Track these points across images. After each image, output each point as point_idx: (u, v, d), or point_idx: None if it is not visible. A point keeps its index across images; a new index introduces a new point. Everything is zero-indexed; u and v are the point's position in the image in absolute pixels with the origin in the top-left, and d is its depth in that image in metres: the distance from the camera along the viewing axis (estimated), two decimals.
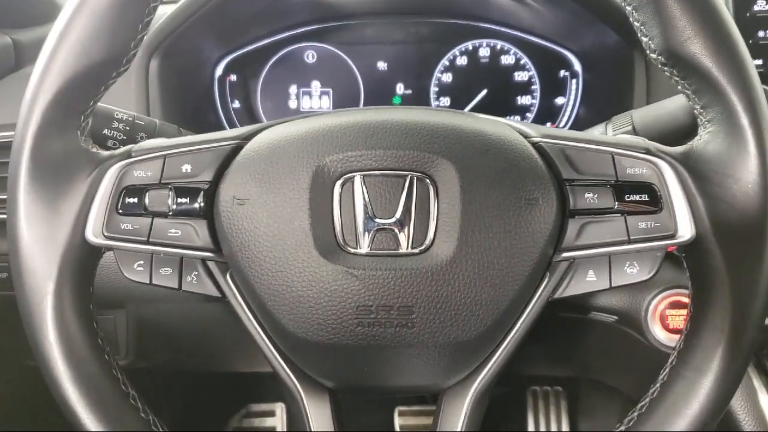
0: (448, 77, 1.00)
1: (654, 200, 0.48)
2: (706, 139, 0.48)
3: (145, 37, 0.52)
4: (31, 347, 0.50)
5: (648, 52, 0.49)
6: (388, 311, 0.47)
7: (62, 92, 0.48)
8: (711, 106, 0.48)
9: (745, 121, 0.46)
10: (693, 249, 0.47)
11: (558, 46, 0.96)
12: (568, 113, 0.97)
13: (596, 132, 0.67)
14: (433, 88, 1.00)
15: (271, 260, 0.48)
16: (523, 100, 0.98)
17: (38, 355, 0.50)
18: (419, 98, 1.00)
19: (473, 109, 1.00)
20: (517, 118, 0.98)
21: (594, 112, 0.94)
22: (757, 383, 0.74)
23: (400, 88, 1.01)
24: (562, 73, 0.97)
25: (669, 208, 0.48)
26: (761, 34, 0.74)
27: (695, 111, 0.50)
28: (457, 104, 1.00)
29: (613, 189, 0.49)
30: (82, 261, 0.49)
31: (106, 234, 0.49)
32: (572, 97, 0.97)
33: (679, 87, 0.50)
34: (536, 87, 0.98)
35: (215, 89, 1.00)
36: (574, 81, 0.97)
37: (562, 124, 0.97)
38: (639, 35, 0.49)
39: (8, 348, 0.97)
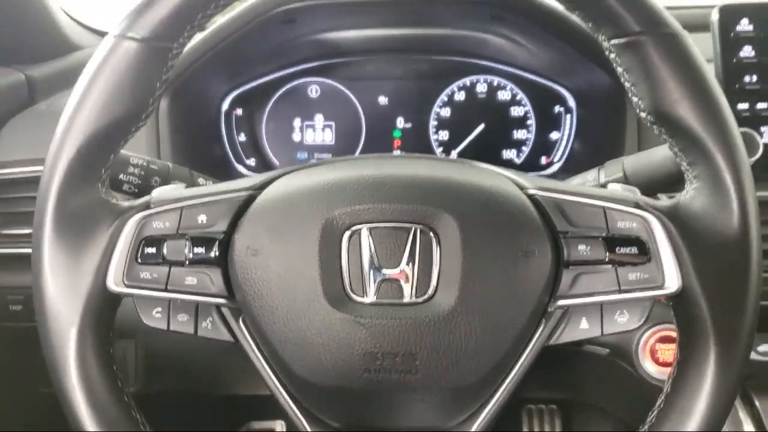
0: (446, 112, 1.02)
1: (643, 252, 0.50)
2: (692, 195, 0.51)
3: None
4: (54, 386, 0.52)
5: (638, 110, 0.52)
6: (392, 358, 0.49)
7: (84, 148, 0.51)
8: (697, 164, 0.50)
9: (729, 180, 0.49)
10: (679, 299, 0.50)
11: (553, 82, 0.98)
12: (562, 148, 0.99)
13: (590, 177, 0.70)
14: (432, 123, 1.02)
15: (283, 308, 0.50)
16: (519, 134, 1.00)
17: (60, 393, 0.52)
18: (419, 132, 1.02)
19: (471, 143, 1.02)
20: (514, 151, 1.00)
21: (588, 146, 0.97)
22: (743, 414, 0.77)
23: (400, 122, 1.03)
24: (557, 108, 0.99)
25: (657, 260, 0.50)
26: (747, 79, 0.76)
27: (682, 167, 0.52)
28: (456, 138, 1.02)
29: (605, 241, 0.51)
30: (103, 308, 0.51)
31: (126, 283, 0.51)
32: (566, 133, 0.99)
33: (668, 144, 0.52)
34: (531, 122, 1.00)
35: (222, 123, 1.03)
36: (568, 116, 0.99)
37: (556, 159, 0.99)
38: (630, 95, 0.52)
39: (23, 375, 1.00)
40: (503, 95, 1.01)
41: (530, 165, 1.01)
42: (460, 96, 1.03)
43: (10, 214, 0.88)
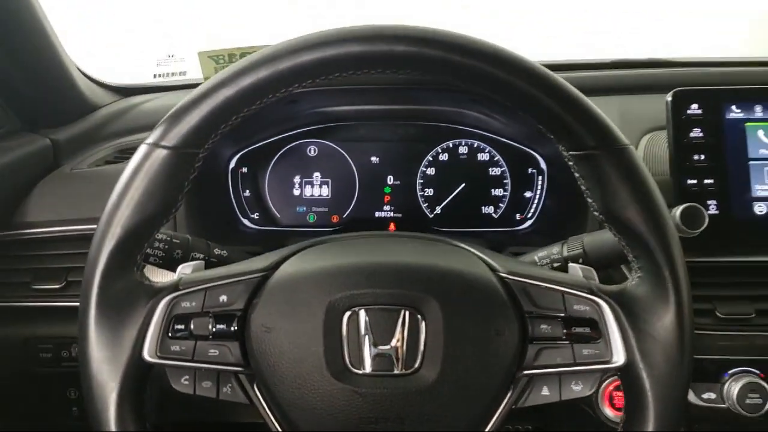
0: (431, 171, 1.09)
1: (595, 331, 0.58)
2: (637, 283, 0.59)
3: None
4: None
5: (592, 209, 0.60)
6: (385, 422, 0.56)
7: (122, 243, 0.57)
8: (640, 258, 0.58)
9: (666, 274, 0.57)
10: (625, 372, 0.58)
11: (526, 147, 1.06)
12: (535, 205, 1.07)
13: (554, 250, 0.77)
14: (419, 181, 1.09)
15: (291, 378, 0.57)
16: (497, 192, 1.08)
17: None
18: (407, 189, 1.09)
19: (453, 200, 1.09)
20: (492, 207, 1.08)
21: (558, 204, 1.04)
22: None
23: (390, 180, 1.10)
24: (530, 170, 1.06)
25: (606, 338, 0.58)
26: (695, 157, 0.84)
27: (628, 258, 0.60)
28: (439, 195, 1.09)
29: (563, 321, 0.58)
30: (139, 376, 0.58)
31: (159, 355, 0.58)
32: (538, 191, 1.07)
33: (616, 238, 0.60)
34: (508, 181, 1.07)
35: (229, 180, 1.09)
36: (540, 177, 1.06)
37: (529, 215, 1.07)
38: (585, 196, 0.60)
39: (49, 414, 1.05)
40: (482, 157, 1.08)
41: (506, 220, 1.08)
42: (444, 157, 1.09)
43: (39, 270, 0.92)
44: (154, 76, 1.24)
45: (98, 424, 0.58)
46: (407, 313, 0.57)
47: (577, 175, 0.59)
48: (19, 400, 1.01)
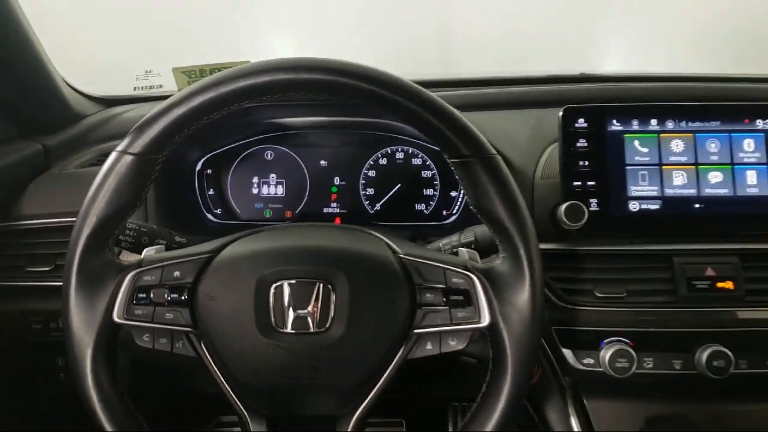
0: (372, 173, 1.21)
1: (467, 299, 0.72)
2: (501, 262, 0.74)
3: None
4: (76, 389, 0.71)
5: (470, 206, 0.75)
6: (302, 369, 0.70)
7: (96, 228, 0.71)
8: (504, 242, 0.73)
9: (523, 256, 0.71)
10: (490, 330, 0.72)
11: None
12: (459, 203, 1.19)
13: (453, 239, 0.90)
14: (361, 181, 1.21)
15: (229, 336, 0.71)
16: (428, 192, 1.20)
17: (80, 393, 0.71)
18: (351, 188, 1.21)
19: (390, 198, 1.21)
20: (423, 205, 1.20)
21: None
22: (573, 416, 0.99)
23: (336, 180, 1.22)
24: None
25: (476, 304, 0.72)
26: (581, 163, 0.97)
27: (496, 243, 0.75)
28: (379, 194, 1.21)
29: (443, 291, 0.73)
30: (109, 334, 0.71)
31: (125, 317, 0.71)
32: (462, 191, 1.21)
33: (487, 227, 0.75)
34: (437, 182, 1.20)
35: (195, 181, 1.20)
36: None
37: (454, 211, 1.19)
38: (464, 194, 0.75)
39: (39, 377, 1.18)
40: (416, 161, 1.20)
41: (435, 215, 1.20)
42: (383, 161, 1.22)
43: (32, 255, 1.04)
44: (134, 89, 1.37)
45: (77, 377, 0.71)
46: (321, 285, 0.71)
47: (458, 177, 0.74)
48: (12, 367, 1.15)
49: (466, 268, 0.74)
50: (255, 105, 1.07)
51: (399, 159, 1.22)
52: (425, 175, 1.21)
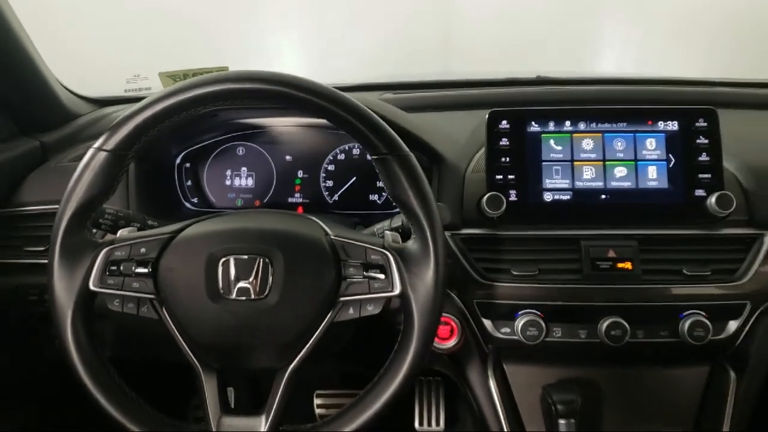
0: (332, 167, 1.33)
1: (384, 273, 0.85)
2: (412, 242, 0.87)
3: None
4: (58, 347, 0.84)
5: (388, 196, 0.89)
6: (243, 329, 0.84)
7: (76, 212, 0.84)
8: (414, 226, 0.86)
9: (429, 238, 0.84)
10: (401, 298, 0.85)
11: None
12: None
13: (386, 224, 1.02)
14: (322, 174, 1.34)
15: (185, 302, 0.84)
16: (380, 184, 1.31)
17: (62, 351, 0.84)
18: (312, 180, 1.33)
19: (347, 189, 1.34)
20: (377, 196, 1.32)
21: None
22: (492, 379, 1.11)
23: (300, 173, 1.34)
24: None
25: (390, 277, 0.85)
26: (503, 159, 1.07)
27: (410, 226, 0.89)
28: (337, 185, 1.33)
29: (363, 266, 0.86)
30: (86, 300, 0.84)
31: (99, 285, 0.84)
32: None
33: (402, 214, 0.89)
34: None
35: (175, 173, 1.33)
36: None
37: None
38: (383, 185, 0.89)
39: (35, 343, 1.33)
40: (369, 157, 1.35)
41: (386, 205, 1.31)
42: (341, 156, 1.34)
43: (30, 237, 1.17)
44: (125, 91, 1.52)
45: (59, 336, 0.84)
46: (261, 260, 0.85)
47: (378, 171, 0.88)
48: (13, 333, 1.29)
49: (383, 247, 0.88)
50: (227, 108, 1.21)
51: (355, 155, 1.35)
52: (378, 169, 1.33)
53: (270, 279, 0.85)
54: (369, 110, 0.86)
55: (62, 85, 1.38)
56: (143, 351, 1.29)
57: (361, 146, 0.88)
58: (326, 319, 0.87)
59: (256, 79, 0.83)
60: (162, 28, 2.05)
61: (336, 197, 1.36)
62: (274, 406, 0.86)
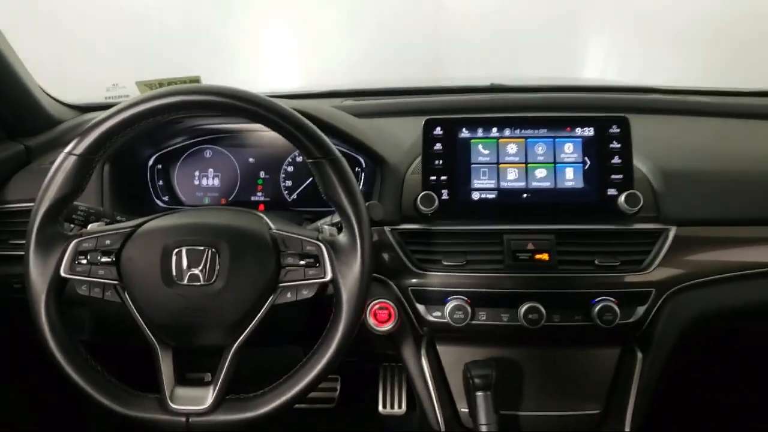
0: (291, 168, 1.45)
1: (317, 261, 0.98)
2: (342, 236, 0.99)
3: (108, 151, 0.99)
4: (35, 329, 0.96)
5: (322, 195, 1.01)
6: (194, 310, 0.95)
7: (48, 208, 0.96)
8: (345, 222, 0.98)
9: (356, 232, 0.96)
10: (332, 283, 0.97)
11: (354, 153, 1.38)
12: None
13: (327, 219, 1.13)
14: (282, 175, 1.45)
15: (143, 287, 0.97)
16: None
17: (37, 333, 0.96)
18: (273, 181, 1.44)
19: (304, 189, 1.45)
20: None
21: (370, 191, 1.34)
22: (425, 358, 1.23)
23: (262, 174, 1.46)
24: (356, 168, 1.42)
25: (322, 265, 0.97)
26: (436, 162, 1.23)
27: (342, 222, 1.01)
28: (296, 185, 1.44)
29: (300, 256, 0.98)
30: (58, 285, 0.96)
31: (69, 272, 0.96)
32: (361, 183, 1.41)
33: (335, 211, 1.01)
34: None
35: (147, 173, 1.45)
36: (362, 173, 1.42)
37: None
38: (318, 186, 1.01)
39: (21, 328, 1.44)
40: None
41: None
42: (299, 158, 1.45)
43: (15, 231, 1.28)
44: (105, 98, 1.64)
45: (34, 319, 0.96)
46: (209, 251, 0.97)
47: (313, 173, 1.00)
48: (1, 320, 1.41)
49: (318, 240, 1.00)
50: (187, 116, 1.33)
51: None
52: None
53: (217, 267, 0.97)
54: (304, 119, 0.98)
55: (46, 93, 1.50)
56: (115, 336, 1.40)
57: (297, 149, 0.99)
58: (267, 302, 0.99)
59: (206, 92, 0.95)
60: (144, 36, 2.18)
61: (294, 196, 1.47)
62: (221, 379, 0.98)
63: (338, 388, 1.98)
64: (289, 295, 1.00)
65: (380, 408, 1.90)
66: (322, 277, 0.98)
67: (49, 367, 0.98)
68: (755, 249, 1.22)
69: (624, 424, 1.19)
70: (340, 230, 1.06)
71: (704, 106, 1.56)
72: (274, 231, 1.02)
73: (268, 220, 1.05)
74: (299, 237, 1.00)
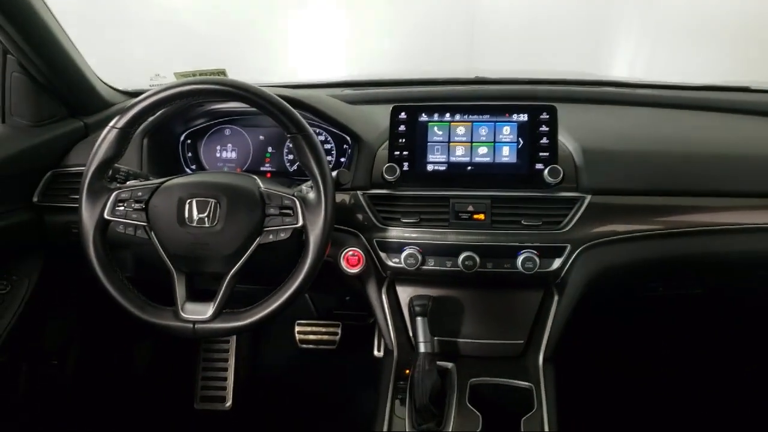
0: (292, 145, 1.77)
1: (293, 212, 1.27)
2: (312, 193, 1.29)
3: (142, 125, 1.33)
4: (84, 258, 1.29)
5: (299, 163, 1.30)
6: (200, 245, 1.26)
7: (96, 168, 1.27)
8: (314, 183, 1.27)
9: (321, 190, 1.24)
10: (303, 228, 1.26)
11: (344, 133, 1.70)
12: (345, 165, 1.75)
13: (309, 182, 1.47)
14: (285, 150, 1.73)
15: (163, 226, 1.27)
16: (327, 158, 1.73)
17: (86, 260, 1.26)
18: (278, 154, 1.71)
19: None
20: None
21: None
22: (385, 296, 1.54)
23: (269, 149, 1.73)
24: (345, 145, 1.70)
25: (296, 214, 1.27)
26: (400, 141, 1.52)
27: (312, 184, 1.30)
28: (295, 159, 1.71)
29: (279, 207, 1.28)
30: (102, 225, 1.28)
31: (110, 215, 1.28)
32: (349, 159, 1.74)
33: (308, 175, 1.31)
34: (334, 152, 1.70)
35: (179, 147, 1.76)
36: (349, 149, 1.74)
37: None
38: (293, 154, 1.31)
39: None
40: (321, 137, 1.70)
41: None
42: None
43: (74, 188, 1.58)
44: (150, 86, 1.96)
45: (84, 251, 1.27)
46: (213, 201, 1.27)
47: (290, 145, 1.30)
48: (61, 256, 1.75)
49: (293, 195, 1.30)
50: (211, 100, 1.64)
51: None
52: (326, 147, 1.71)
53: (218, 213, 1.27)
54: (284, 102, 1.26)
55: (102, 80, 1.84)
56: (147, 271, 1.70)
57: (280, 127, 1.28)
58: (255, 242, 1.29)
59: (211, 83, 1.26)
60: (188, 34, 2.52)
61: (294, 167, 1.73)
62: (219, 297, 1.29)
63: (339, 333, 2.28)
64: (271, 237, 1.29)
65: (375, 352, 2.15)
66: (296, 224, 1.28)
67: (97, 294, 1.30)
68: (654, 215, 1.47)
69: (539, 352, 1.47)
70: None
71: (636, 97, 1.81)
72: (262, 189, 1.31)
73: (259, 181, 1.35)
74: (279, 193, 1.30)
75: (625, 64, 2.98)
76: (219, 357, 2.30)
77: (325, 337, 2.28)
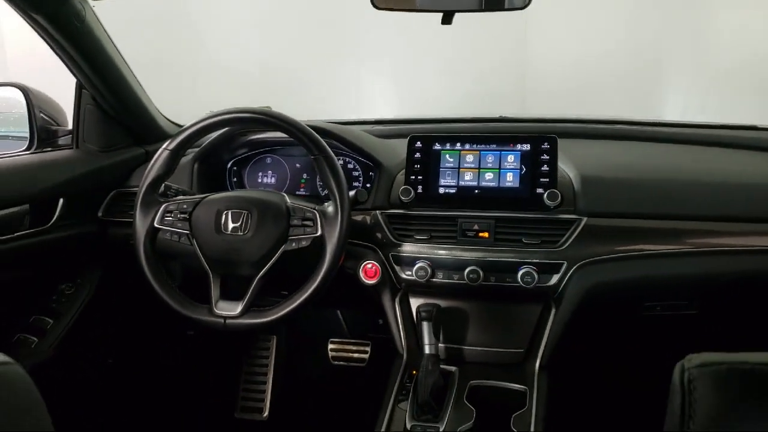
0: None
1: (313, 223, 1.45)
2: (330, 208, 1.46)
3: (193, 151, 1.56)
4: (136, 262, 1.51)
5: (318, 180, 1.48)
6: (233, 251, 1.45)
7: (149, 184, 1.50)
8: (332, 199, 1.45)
9: (338, 206, 1.43)
10: (321, 239, 1.44)
11: (368, 161, 1.89)
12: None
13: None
14: (317, 177, 1.94)
15: (204, 235, 1.47)
16: (355, 184, 1.86)
17: (137, 264, 1.48)
18: (312, 180, 1.90)
19: None
20: (353, 192, 1.90)
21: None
22: (398, 304, 1.68)
23: (305, 175, 1.91)
24: (371, 172, 1.91)
25: (316, 225, 1.45)
26: (416, 166, 1.68)
27: (331, 200, 1.47)
28: None
29: (302, 219, 1.47)
30: (152, 232, 1.50)
31: (159, 224, 1.50)
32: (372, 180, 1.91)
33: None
34: (361, 178, 1.88)
35: (226, 173, 1.97)
36: (372, 174, 1.91)
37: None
38: (317, 174, 1.48)
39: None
40: (350, 165, 1.87)
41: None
42: None
43: (133, 204, 1.85)
44: None
45: (137, 257, 1.49)
46: (245, 213, 1.47)
47: (314, 166, 1.48)
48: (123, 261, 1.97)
49: (314, 209, 1.47)
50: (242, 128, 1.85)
51: (340, 163, 1.94)
52: (354, 174, 1.86)
53: (249, 224, 1.46)
54: (308, 128, 1.46)
55: (163, 115, 2.08)
56: (194, 281, 1.91)
57: (305, 150, 1.46)
58: (281, 249, 1.47)
59: (248, 112, 1.46)
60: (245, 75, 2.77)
61: (325, 192, 1.94)
62: (247, 297, 1.47)
63: (368, 351, 2.42)
64: (294, 244, 1.47)
65: None
66: (315, 234, 1.45)
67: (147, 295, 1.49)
68: (647, 237, 1.57)
69: (536, 360, 1.57)
70: None
71: (643, 134, 1.93)
72: (288, 203, 1.50)
73: (286, 197, 1.53)
74: (303, 207, 1.48)
75: (677, 111, 3.17)
76: (259, 371, 2.45)
77: (356, 354, 2.41)
